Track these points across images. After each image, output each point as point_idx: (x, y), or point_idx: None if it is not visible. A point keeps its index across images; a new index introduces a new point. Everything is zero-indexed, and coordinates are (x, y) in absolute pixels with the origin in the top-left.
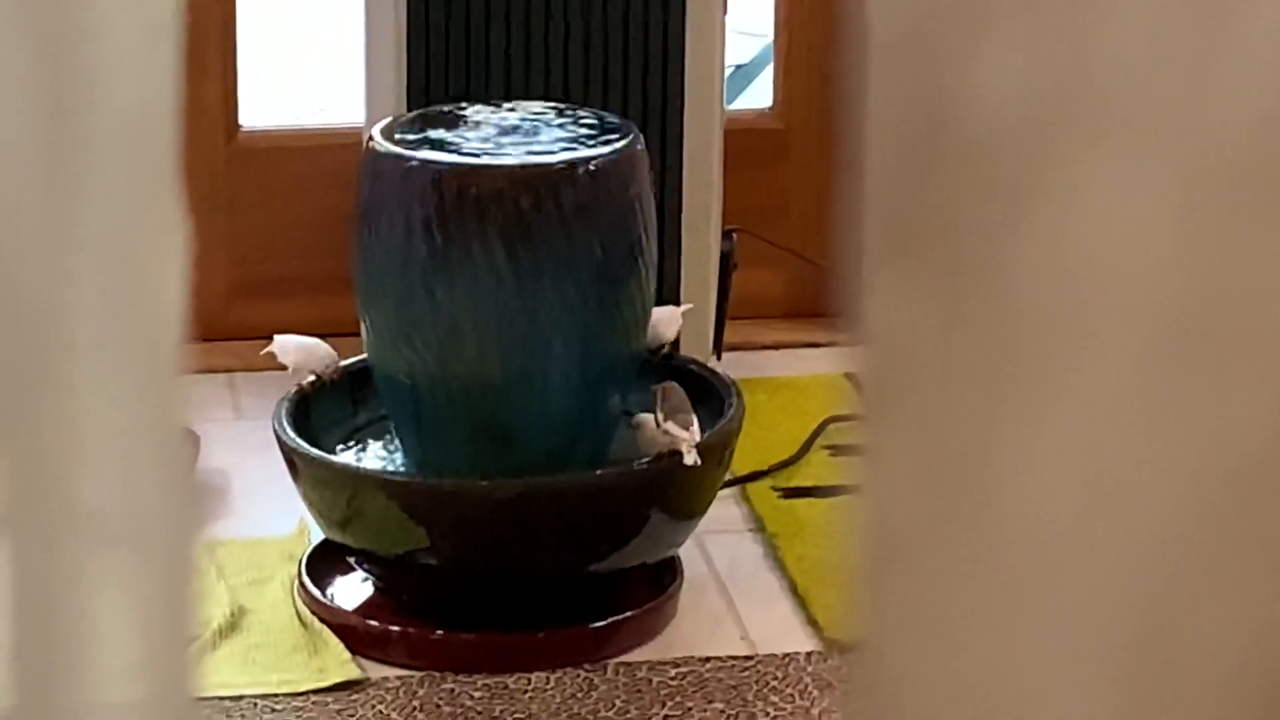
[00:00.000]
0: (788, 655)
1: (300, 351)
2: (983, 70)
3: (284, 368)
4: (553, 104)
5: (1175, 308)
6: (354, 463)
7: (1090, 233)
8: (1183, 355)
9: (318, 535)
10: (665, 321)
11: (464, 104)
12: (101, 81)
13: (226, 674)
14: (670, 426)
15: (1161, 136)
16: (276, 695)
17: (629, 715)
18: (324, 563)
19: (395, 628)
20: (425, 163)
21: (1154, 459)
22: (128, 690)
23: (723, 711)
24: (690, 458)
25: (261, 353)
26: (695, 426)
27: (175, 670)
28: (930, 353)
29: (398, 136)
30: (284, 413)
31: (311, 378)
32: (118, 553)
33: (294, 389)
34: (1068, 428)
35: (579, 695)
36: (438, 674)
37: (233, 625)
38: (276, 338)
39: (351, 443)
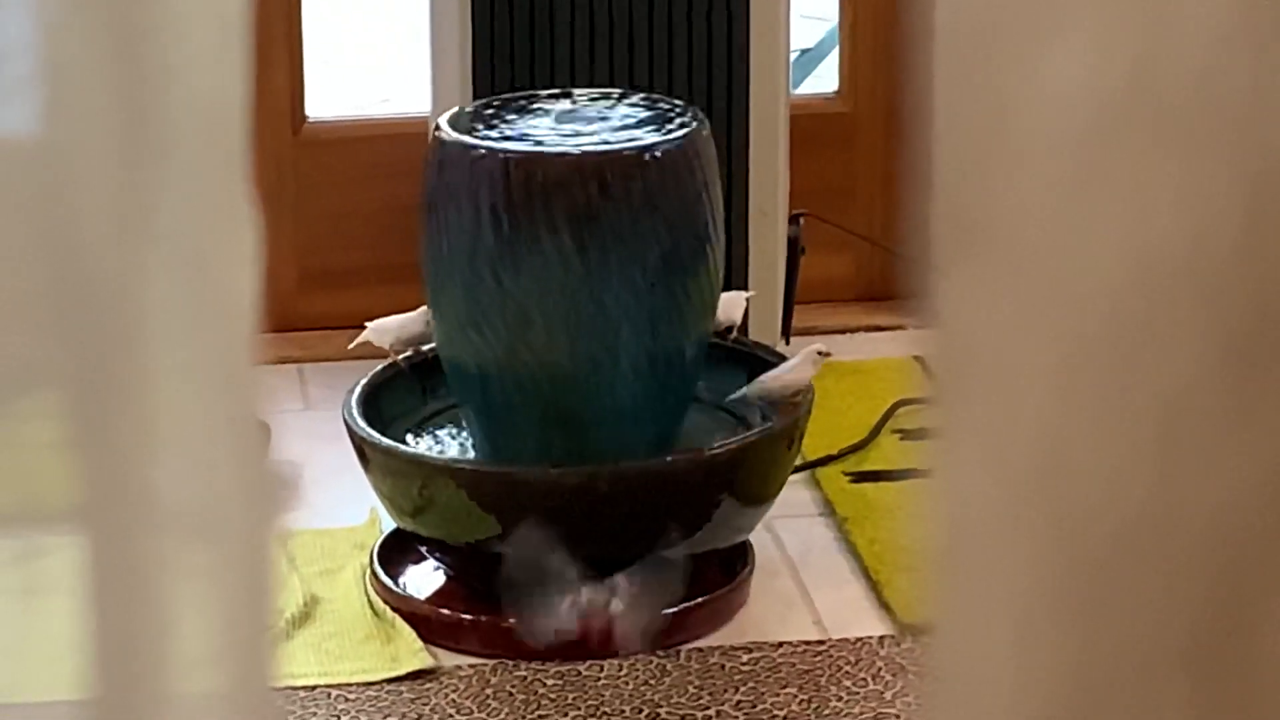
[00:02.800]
0: (860, 640)
1: (402, 327)
2: (1052, 68)
3: (364, 356)
4: (618, 91)
5: (1242, 301)
6: (424, 452)
7: (1159, 227)
8: (1250, 347)
9: (389, 524)
10: (731, 304)
11: (530, 92)
12: (176, 78)
13: (300, 664)
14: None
15: (1228, 135)
16: (349, 685)
17: (701, 701)
18: (395, 552)
19: (467, 616)
20: (492, 151)
21: (1226, 451)
22: (206, 681)
23: (795, 696)
24: None
25: (350, 346)
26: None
27: (253, 661)
28: (1001, 341)
29: (464, 125)
30: (354, 402)
31: (408, 352)
32: (195, 545)
33: (365, 378)
34: (1139, 416)
35: (651, 681)
36: (510, 662)
37: (305, 615)
38: (369, 324)
39: (421, 432)
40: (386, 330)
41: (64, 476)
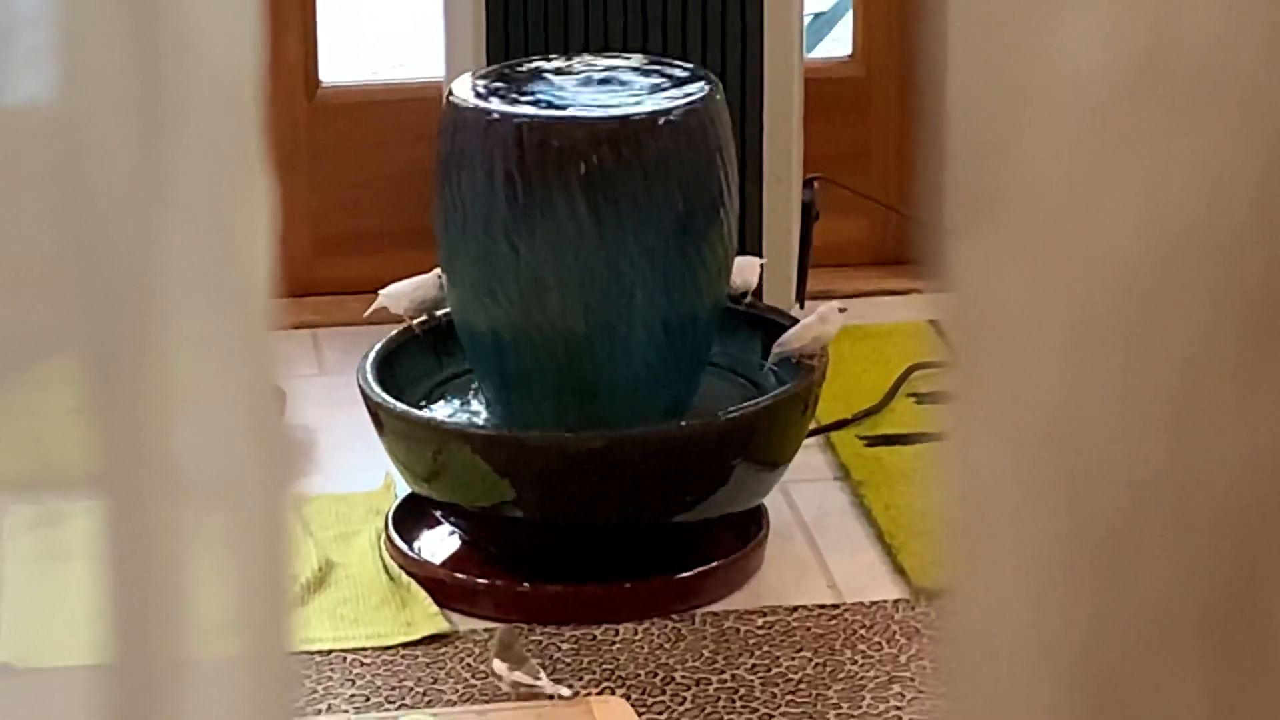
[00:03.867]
0: (875, 603)
1: (416, 292)
2: (1067, 35)
3: (379, 321)
4: (632, 56)
5: (1256, 269)
6: (439, 417)
7: (1173, 195)
8: (1264, 314)
9: (404, 489)
10: (745, 269)
11: (544, 57)
12: (191, 45)
13: (315, 628)
14: (520, 676)
15: (1242, 104)
16: (365, 649)
17: (716, 665)
18: (410, 517)
19: (482, 580)
20: (506, 116)
21: (1240, 418)
22: (224, 646)
23: (810, 660)
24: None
25: (366, 314)
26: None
27: (271, 626)
28: (1015, 306)
29: (478, 90)
30: (369, 367)
31: (422, 317)
32: (212, 511)
33: (379, 343)
34: (1153, 383)
35: (666, 645)
36: (525, 626)
37: (321, 580)
38: (382, 291)
39: (436, 397)
40: (400, 295)
41: (82, 443)
